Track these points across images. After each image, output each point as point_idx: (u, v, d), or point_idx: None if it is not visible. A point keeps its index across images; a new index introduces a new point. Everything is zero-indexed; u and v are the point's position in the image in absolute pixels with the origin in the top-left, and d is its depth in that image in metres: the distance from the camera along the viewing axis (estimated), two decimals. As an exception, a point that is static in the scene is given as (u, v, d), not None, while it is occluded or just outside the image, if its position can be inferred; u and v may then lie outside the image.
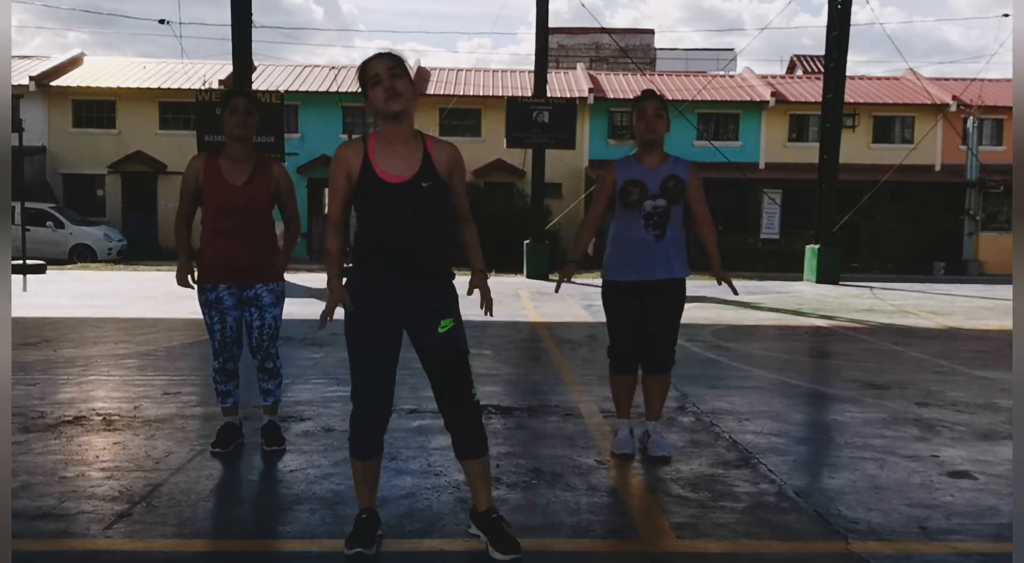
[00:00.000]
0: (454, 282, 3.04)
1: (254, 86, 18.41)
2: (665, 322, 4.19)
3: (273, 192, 4.11)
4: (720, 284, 4.23)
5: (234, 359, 4.21)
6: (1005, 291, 16.26)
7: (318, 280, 16.35)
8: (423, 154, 2.94)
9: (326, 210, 3.07)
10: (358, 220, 2.99)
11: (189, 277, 4.11)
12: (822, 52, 18.73)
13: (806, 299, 13.71)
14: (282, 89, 22.31)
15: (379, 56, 2.94)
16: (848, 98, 20.30)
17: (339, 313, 2.97)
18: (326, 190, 3.10)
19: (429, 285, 2.96)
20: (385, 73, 2.88)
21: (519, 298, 13.14)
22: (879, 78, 29.54)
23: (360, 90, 2.97)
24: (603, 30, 29.82)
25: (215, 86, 23.24)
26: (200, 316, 4.21)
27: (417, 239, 2.91)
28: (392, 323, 2.97)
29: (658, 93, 4.26)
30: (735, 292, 4.22)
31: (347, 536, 2.99)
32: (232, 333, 4.14)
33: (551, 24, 18.57)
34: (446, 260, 3.00)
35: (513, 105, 17.83)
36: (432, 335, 2.96)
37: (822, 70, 19.52)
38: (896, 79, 29.28)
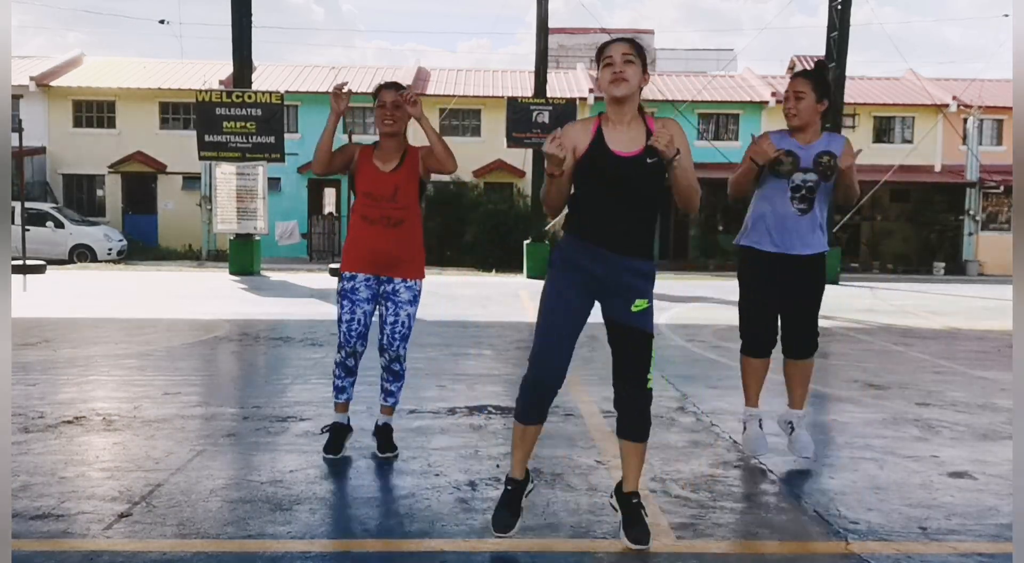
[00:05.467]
0: (655, 268, 3.14)
1: (254, 86, 18.39)
2: (807, 299, 4.08)
3: (420, 176, 4.05)
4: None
5: (356, 356, 4.12)
6: (1005, 291, 16.25)
7: (318, 280, 16.35)
8: (646, 133, 3.02)
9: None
10: (577, 192, 3.07)
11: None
12: (820, 52, 18.74)
13: (806, 299, 13.70)
14: (282, 89, 22.28)
15: (619, 40, 3.02)
16: (848, 98, 20.31)
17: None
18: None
19: (632, 261, 3.04)
20: (619, 57, 2.97)
21: (519, 298, 13.15)
22: (879, 78, 29.54)
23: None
24: (603, 30, 29.80)
25: (215, 86, 23.23)
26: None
27: (633, 214, 3.02)
28: (588, 293, 3.08)
29: (823, 69, 4.13)
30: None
31: (493, 513, 3.12)
32: (359, 327, 4.05)
33: (550, 24, 18.56)
34: (652, 242, 3.09)
35: (513, 105, 17.83)
36: (625, 312, 3.05)
37: (822, 70, 19.48)
38: (896, 79, 29.28)
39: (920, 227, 26.27)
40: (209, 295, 12.77)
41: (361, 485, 3.77)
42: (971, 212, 25.68)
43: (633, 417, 3.11)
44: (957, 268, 25.05)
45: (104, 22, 79.23)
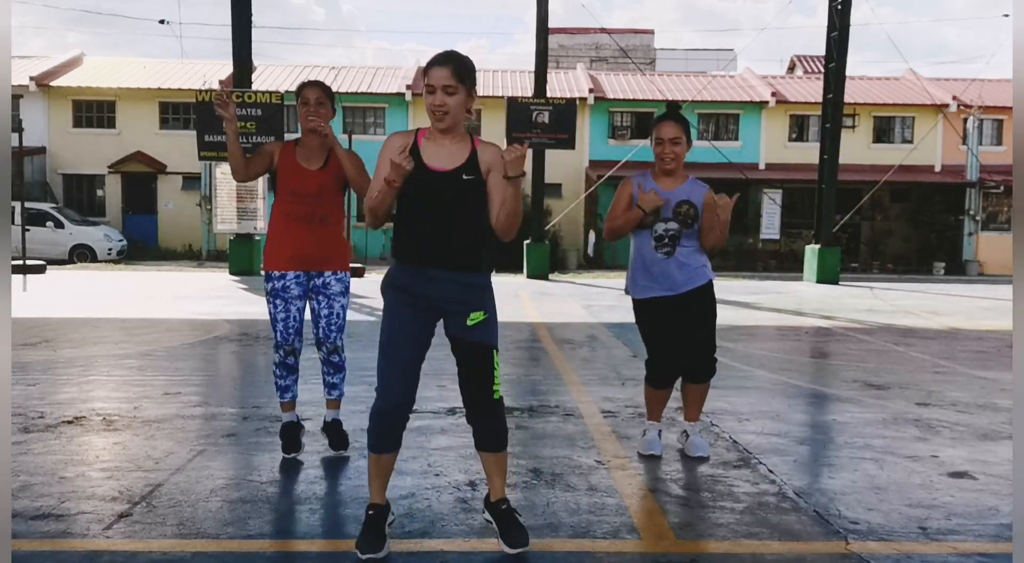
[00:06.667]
0: (490, 280, 3.09)
1: (254, 86, 18.40)
2: (699, 332, 4.15)
3: (345, 178, 4.05)
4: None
5: (295, 353, 4.13)
6: (1005, 291, 16.26)
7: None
8: (470, 150, 2.99)
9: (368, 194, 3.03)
10: (398, 210, 3.03)
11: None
12: (819, 52, 18.75)
13: (806, 299, 13.71)
14: (282, 89, 22.27)
15: (441, 64, 2.89)
16: (848, 98, 20.29)
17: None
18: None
19: (461, 275, 2.99)
20: (440, 88, 2.89)
21: (519, 298, 13.14)
22: (879, 78, 29.55)
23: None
24: (603, 30, 29.82)
25: (215, 86, 23.24)
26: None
27: (453, 229, 2.96)
28: (425, 319, 3.02)
29: (679, 110, 4.14)
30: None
31: (357, 538, 2.97)
32: (295, 324, 4.07)
33: (549, 24, 18.56)
34: (480, 254, 3.03)
35: (513, 105, 17.81)
36: (461, 327, 3.01)
37: (822, 70, 19.52)
38: (896, 79, 29.29)
39: (920, 227, 26.29)
40: (209, 295, 12.77)
41: (361, 485, 3.77)
42: (971, 212, 25.69)
43: (487, 429, 3.06)
44: (957, 268, 25.06)
45: (104, 22, 79.35)
